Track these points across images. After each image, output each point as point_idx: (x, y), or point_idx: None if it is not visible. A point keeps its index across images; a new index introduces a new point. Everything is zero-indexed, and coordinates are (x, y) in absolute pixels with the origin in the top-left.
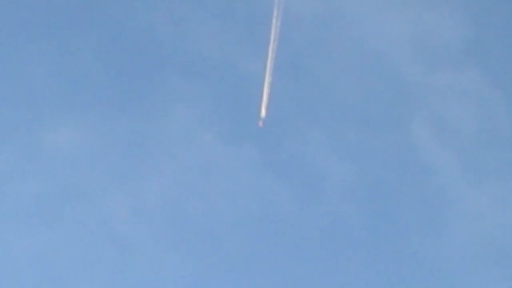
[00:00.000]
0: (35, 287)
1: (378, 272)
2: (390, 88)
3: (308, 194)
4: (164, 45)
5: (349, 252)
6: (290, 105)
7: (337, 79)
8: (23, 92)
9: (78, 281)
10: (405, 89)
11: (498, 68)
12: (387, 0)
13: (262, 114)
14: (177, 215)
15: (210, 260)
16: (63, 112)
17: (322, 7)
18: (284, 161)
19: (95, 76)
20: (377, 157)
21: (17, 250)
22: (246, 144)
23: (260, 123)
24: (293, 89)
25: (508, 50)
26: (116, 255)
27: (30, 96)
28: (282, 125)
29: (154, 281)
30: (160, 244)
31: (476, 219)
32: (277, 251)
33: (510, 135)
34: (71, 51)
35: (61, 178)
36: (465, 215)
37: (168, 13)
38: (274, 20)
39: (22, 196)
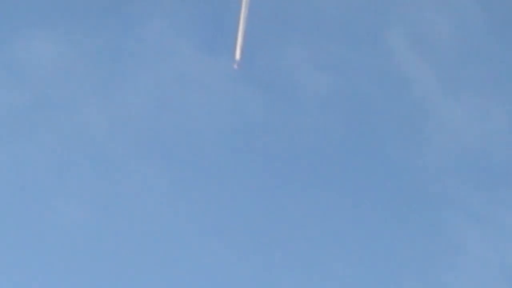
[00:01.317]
0: (11, 201)
1: (354, 184)
2: None
3: (285, 105)
4: None
5: (326, 164)
6: (267, 17)
7: None
8: None
9: (55, 193)
10: (381, 0)
11: None
12: None
13: (237, 56)
14: (154, 126)
15: (187, 171)
16: (37, 24)
17: None
18: (261, 72)
19: None
20: (354, 68)
21: None
22: (224, 55)
23: (235, 65)
24: (270, 2)
25: None
26: (94, 167)
27: (2, 8)
28: (260, 37)
29: (131, 192)
30: (137, 155)
31: (453, 130)
32: (254, 162)
33: (487, 46)
34: None
35: (36, 89)
36: (442, 126)
37: None
38: None
39: None
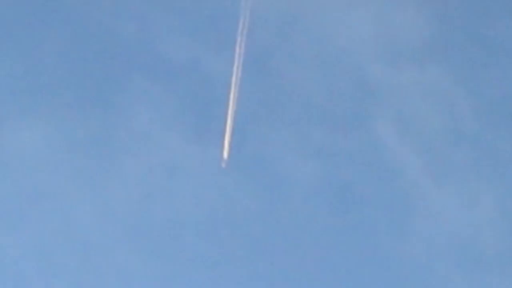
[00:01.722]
0: None
1: (343, 273)
2: (353, 86)
3: (273, 195)
4: (127, 44)
5: (314, 253)
6: (254, 104)
7: (301, 78)
8: None
9: (40, 285)
10: (368, 87)
11: (461, 65)
12: None
13: (224, 156)
14: (142, 216)
15: (175, 262)
16: (25, 113)
17: (285, 7)
18: (248, 161)
19: (56, 76)
20: (341, 156)
21: None
22: (210, 145)
23: (223, 164)
24: (257, 88)
25: (470, 47)
26: (80, 258)
27: None
28: (246, 125)
29: (118, 284)
30: (125, 246)
31: (440, 218)
32: (241, 252)
33: (473, 133)
34: (32, 51)
35: (23, 179)
36: (429, 214)
37: (130, 12)
38: (241, 22)
39: None
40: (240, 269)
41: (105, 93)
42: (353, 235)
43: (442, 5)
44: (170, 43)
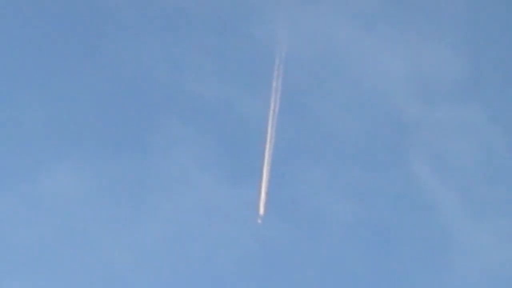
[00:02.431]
0: None
1: None
2: (388, 126)
3: (310, 235)
4: (161, 86)
5: None
6: (290, 144)
7: (336, 118)
8: (18, 137)
9: None
10: (404, 126)
11: (497, 103)
12: (383, 37)
13: (260, 211)
14: (178, 259)
15: None
16: (60, 157)
17: (320, 47)
18: (284, 202)
19: (91, 119)
20: (377, 196)
21: None
22: (246, 186)
23: (259, 220)
24: (293, 129)
25: (506, 84)
26: None
27: (25, 141)
28: (282, 165)
29: None
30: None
31: (478, 256)
32: None
33: (510, 170)
34: (66, 94)
35: (59, 224)
36: (467, 252)
37: (165, 54)
38: (276, 64)
39: (21, 243)
40: None
41: (140, 135)
42: (391, 275)
43: (477, 43)
44: (205, 84)
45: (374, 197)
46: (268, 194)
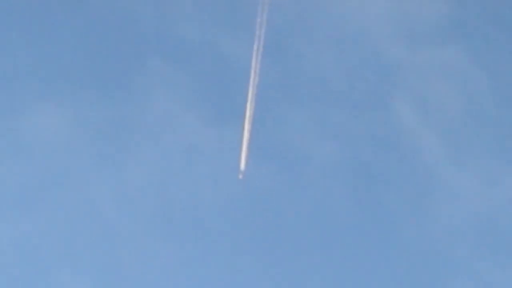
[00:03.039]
0: (19, 276)
1: (364, 254)
2: (371, 67)
3: (293, 176)
4: (144, 27)
5: (336, 233)
6: (272, 86)
7: (318, 58)
8: (0, 78)
9: (63, 268)
10: (387, 68)
11: (480, 45)
12: None
13: (242, 167)
14: (162, 199)
15: (196, 245)
16: (42, 98)
17: None
18: (267, 143)
19: (73, 60)
20: (361, 137)
21: None
22: (229, 127)
23: (240, 176)
24: (274, 71)
25: (489, 26)
26: (101, 241)
27: (8, 82)
28: (265, 107)
29: (140, 267)
30: (146, 229)
31: (461, 198)
32: (263, 235)
33: (493, 113)
34: (49, 35)
35: (42, 164)
36: (450, 195)
37: None
38: (260, 4)
39: (3, 182)
40: (259, 249)
41: (123, 76)
42: (373, 216)
43: None
44: (188, 25)
45: (357, 138)
46: (251, 136)
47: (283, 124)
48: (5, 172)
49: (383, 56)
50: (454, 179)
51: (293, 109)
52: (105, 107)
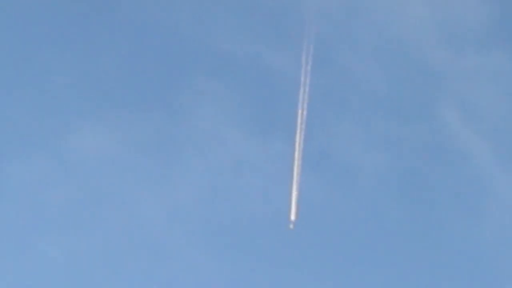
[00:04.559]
0: None
1: (415, 263)
2: (416, 75)
3: (342, 187)
4: (188, 43)
5: (386, 243)
6: (318, 97)
7: (364, 68)
8: (47, 98)
9: (114, 284)
10: (432, 75)
11: None
12: None
13: (292, 218)
14: (210, 214)
15: (246, 259)
16: (89, 117)
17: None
18: (315, 155)
19: (120, 79)
20: (408, 145)
21: (51, 258)
22: (276, 140)
23: (291, 226)
24: (321, 81)
25: None
26: (152, 260)
27: (55, 102)
28: (312, 118)
29: (192, 282)
30: (196, 245)
31: (510, 202)
32: (314, 246)
33: None
34: (94, 54)
35: (91, 183)
36: (500, 201)
37: (191, 11)
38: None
39: (53, 203)
40: (310, 260)
41: (168, 93)
42: (423, 224)
43: None
44: (234, 40)
45: (405, 147)
46: (303, 151)
47: (329, 135)
48: (54, 192)
49: (428, 63)
50: (503, 184)
51: (339, 119)
52: (151, 124)
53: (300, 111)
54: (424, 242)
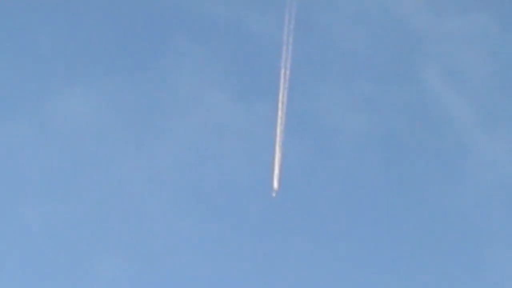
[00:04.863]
0: (51, 257)
1: (396, 225)
2: (398, 37)
3: (323, 149)
4: (170, 6)
5: (367, 205)
6: (300, 59)
7: (344, 31)
8: (27, 61)
9: (95, 249)
10: (413, 37)
11: (507, 11)
12: None
13: (275, 186)
14: (193, 178)
15: (227, 222)
16: (70, 80)
17: None
18: (296, 117)
19: (99, 42)
20: (389, 108)
21: (32, 221)
22: (259, 102)
23: (273, 194)
24: (301, 44)
25: None
26: (134, 221)
27: (35, 65)
28: (294, 80)
29: (173, 245)
30: (177, 209)
31: (492, 165)
32: (294, 209)
33: None
34: (73, 17)
35: (72, 145)
36: (481, 162)
37: None
38: None
39: (34, 166)
40: (291, 226)
41: (150, 56)
42: (404, 186)
43: None
44: (215, 3)
45: (386, 109)
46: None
47: (310, 97)
48: (35, 155)
49: (409, 26)
50: (485, 146)
51: (319, 81)
52: (133, 88)
53: (282, 72)
54: (406, 203)
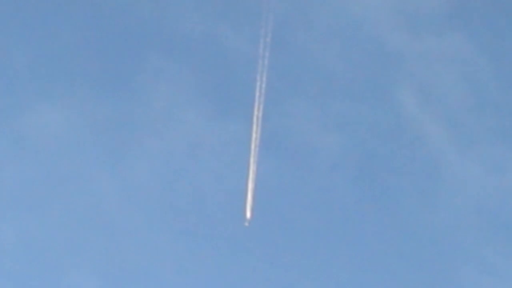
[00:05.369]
0: (24, 273)
1: (370, 243)
2: (374, 56)
3: (297, 168)
4: (144, 23)
5: (342, 224)
6: (274, 77)
7: (320, 49)
8: (2, 77)
9: (68, 266)
10: (389, 57)
11: (482, 32)
12: None
13: (247, 215)
14: (166, 194)
15: (201, 239)
16: (45, 96)
17: None
18: (270, 136)
19: (74, 58)
20: (364, 127)
21: (4, 237)
22: (232, 121)
23: (246, 224)
24: (276, 61)
25: (491, 14)
26: (107, 238)
27: (10, 80)
28: (267, 99)
29: (146, 262)
30: (151, 224)
31: (466, 185)
32: (268, 227)
33: (496, 100)
34: (50, 33)
35: (46, 162)
36: (455, 181)
37: None
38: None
39: (8, 181)
40: (267, 245)
41: (124, 73)
42: (379, 205)
43: None
44: (189, 20)
45: (360, 128)
46: (260, 132)
47: (284, 115)
48: (9, 171)
49: (385, 46)
50: (458, 167)
51: (294, 100)
52: (107, 104)
53: (257, 91)
54: (379, 224)
